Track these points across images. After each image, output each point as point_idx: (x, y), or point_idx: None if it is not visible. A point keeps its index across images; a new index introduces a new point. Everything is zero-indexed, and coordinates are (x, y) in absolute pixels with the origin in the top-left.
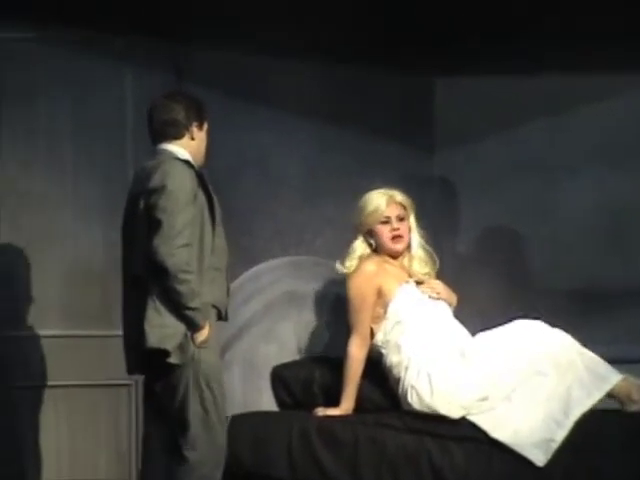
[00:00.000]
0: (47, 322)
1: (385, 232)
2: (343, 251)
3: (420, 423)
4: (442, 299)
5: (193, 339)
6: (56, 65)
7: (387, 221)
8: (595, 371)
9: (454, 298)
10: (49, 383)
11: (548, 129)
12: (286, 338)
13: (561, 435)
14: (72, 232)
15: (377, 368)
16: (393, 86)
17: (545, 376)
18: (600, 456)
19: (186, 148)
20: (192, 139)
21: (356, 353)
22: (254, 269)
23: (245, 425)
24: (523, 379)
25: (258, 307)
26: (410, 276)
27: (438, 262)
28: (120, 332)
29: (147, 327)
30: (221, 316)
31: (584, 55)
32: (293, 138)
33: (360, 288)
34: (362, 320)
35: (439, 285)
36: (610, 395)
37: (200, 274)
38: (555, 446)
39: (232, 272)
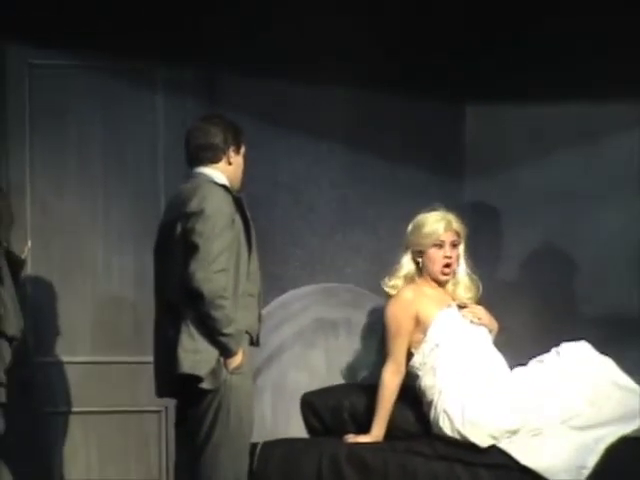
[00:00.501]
0: (78, 348)
1: (437, 257)
2: (373, 279)
3: (450, 450)
4: (483, 325)
5: (226, 365)
6: (89, 90)
7: (441, 245)
8: (630, 405)
9: (495, 325)
10: (79, 409)
11: (579, 156)
12: (316, 365)
13: (592, 461)
14: (103, 257)
15: (409, 393)
16: (425, 114)
17: (580, 409)
18: None
19: (223, 172)
20: (229, 163)
21: (389, 380)
22: (284, 296)
23: (275, 451)
24: (557, 413)
25: (288, 334)
26: (453, 299)
27: (481, 289)
28: (150, 358)
29: (181, 352)
30: (253, 342)
31: (617, 82)
32: (325, 165)
33: (396, 316)
34: (397, 347)
35: (481, 310)
36: None
37: (235, 300)
38: (587, 473)
39: (263, 298)
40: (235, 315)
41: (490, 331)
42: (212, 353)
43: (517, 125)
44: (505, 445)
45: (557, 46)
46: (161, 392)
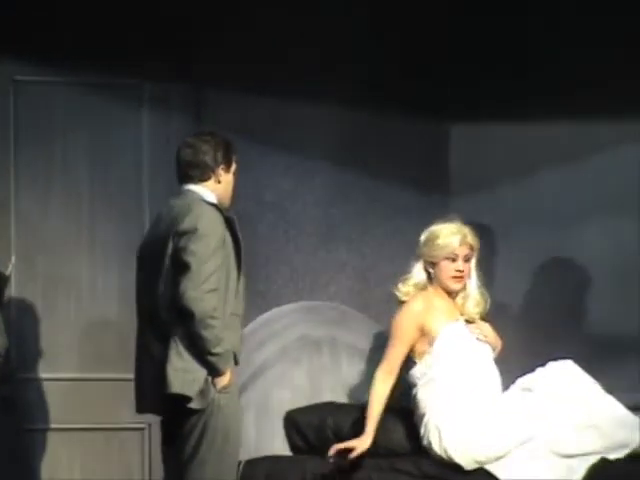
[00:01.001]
0: (62, 365)
1: (449, 270)
2: (357, 297)
3: (435, 469)
4: (488, 342)
5: (214, 384)
6: (74, 107)
7: (454, 259)
8: (614, 437)
9: (499, 343)
10: (62, 426)
11: (563, 176)
12: (300, 383)
13: None
14: (87, 274)
15: (394, 413)
16: (409, 132)
17: (569, 436)
18: None
19: (212, 190)
20: (218, 182)
21: (378, 386)
22: (268, 313)
23: (258, 469)
24: (545, 440)
25: (272, 351)
26: (461, 314)
27: (489, 304)
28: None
29: (170, 371)
30: (236, 361)
31: (600, 101)
32: (309, 183)
33: (401, 325)
34: (394, 353)
35: (487, 328)
36: None
37: (224, 319)
38: None
39: (246, 316)
40: (223, 335)
41: (494, 349)
42: (201, 373)
43: (501, 145)
44: (490, 466)
45: (540, 67)
46: (142, 409)
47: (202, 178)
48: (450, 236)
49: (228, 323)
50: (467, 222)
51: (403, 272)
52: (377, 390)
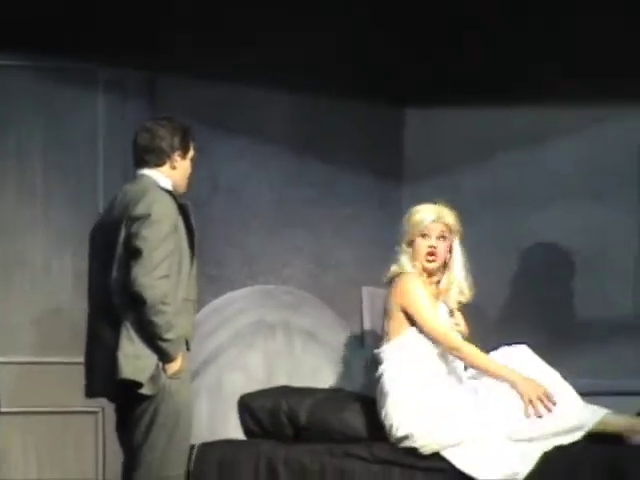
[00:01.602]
0: (15, 348)
1: (422, 246)
2: (312, 281)
3: (388, 454)
4: (460, 331)
5: (165, 370)
6: (28, 90)
7: (427, 235)
8: (567, 422)
9: (467, 331)
10: (16, 409)
11: (520, 160)
12: (254, 367)
13: (527, 468)
14: (42, 258)
15: (349, 398)
16: (364, 117)
17: (523, 422)
18: None
19: (168, 176)
20: (174, 168)
21: (467, 347)
22: (223, 298)
23: (212, 453)
24: (499, 425)
25: (226, 336)
26: (444, 298)
27: (473, 291)
28: None
29: (121, 357)
30: (188, 347)
31: (555, 87)
32: (264, 167)
33: (418, 292)
34: (435, 320)
35: (460, 318)
36: (604, 433)
37: (175, 305)
38: (521, 478)
39: (201, 300)
40: (175, 321)
41: (463, 337)
42: (152, 358)
43: (457, 129)
44: (445, 452)
45: (497, 49)
46: (91, 393)
47: (158, 163)
48: (424, 213)
49: (181, 309)
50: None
51: (358, 256)
52: (470, 350)
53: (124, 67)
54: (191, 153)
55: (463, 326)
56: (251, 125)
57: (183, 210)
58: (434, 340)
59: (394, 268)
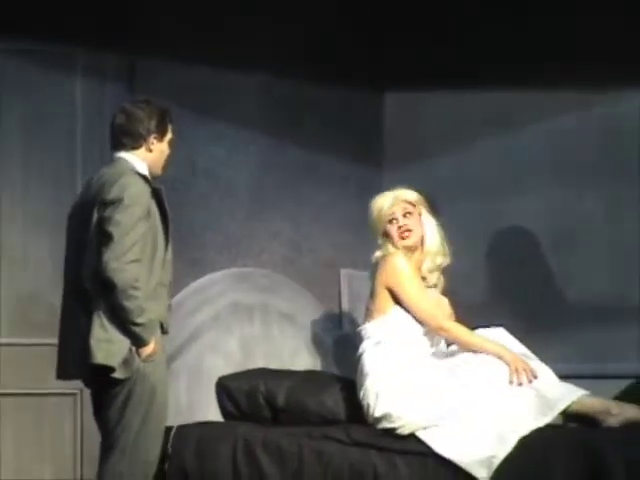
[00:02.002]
0: None
1: (393, 230)
2: (290, 264)
3: (366, 436)
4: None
5: (138, 353)
6: (5, 74)
7: (394, 219)
8: (545, 397)
9: (452, 316)
10: None
11: (497, 145)
12: (232, 349)
13: (504, 452)
14: (21, 242)
15: (327, 380)
16: (343, 100)
17: (497, 399)
18: (544, 471)
19: (143, 159)
20: (150, 150)
21: (455, 328)
22: (201, 280)
23: (190, 435)
24: (474, 397)
25: (204, 318)
26: (423, 278)
27: (449, 257)
28: None
29: (93, 342)
30: (163, 330)
31: (535, 71)
32: (243, 151)
33: (407, 273)
34: (426, 300)
35: (445, 303)
36: (580, 414)
37: (148, 290)
38: (498, 462)
39: (179, 283)
40: (148, 305)
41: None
42: (124, 343)
43: (437, 113)
44: (422, 433)
45: (476, 32)
46: (62, 375)
47: (134, 146)
48: (380, 201)
49: (154, 293)
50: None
51: (336, 240)
52: (457, 329)
53: (103, 51)
54: (169, 136)
55: (448, 313)
56: (230, 109)
57: (157, 195)
58: (420, 319)
59: (378, 253)
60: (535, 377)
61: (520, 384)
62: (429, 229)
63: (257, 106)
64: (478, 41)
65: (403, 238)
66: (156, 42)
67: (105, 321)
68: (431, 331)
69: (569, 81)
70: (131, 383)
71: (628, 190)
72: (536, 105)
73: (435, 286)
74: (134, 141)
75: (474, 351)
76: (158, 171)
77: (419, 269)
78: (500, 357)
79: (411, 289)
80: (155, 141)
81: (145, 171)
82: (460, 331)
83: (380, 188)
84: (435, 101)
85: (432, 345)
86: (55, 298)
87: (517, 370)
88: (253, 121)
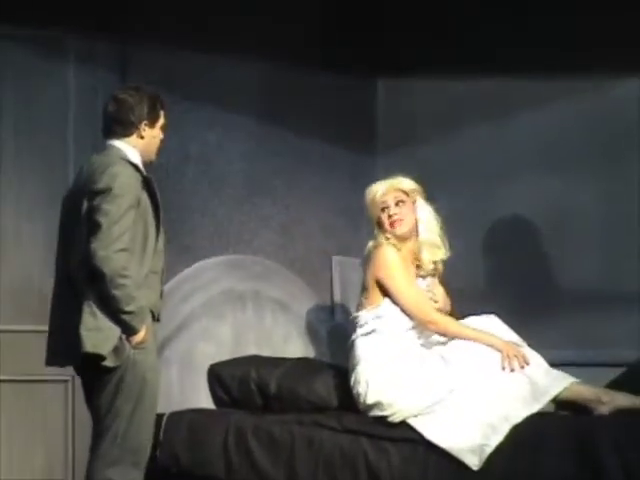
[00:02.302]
0: None
1: (384, 219)
2: (281, 251)
3: (357, 424)
4: (437, 308)
5: (129, 341)
6: None
7: (386, 208)
8: (536, 384)
9: (448, 305)
10: None
11: (489, 132)
12: (224, 337)
13: (496, 440)
14: (13, 227)
15: (318, 367)
16: (336, 86)
17: (488, 382)
18: (535, 459)
19: (135, 146)
20: (141, 137)
21: (443, 320)
22: (193, 267)
23: (182, 422)
24: (466, 385)
25: (196, 305)
26: (418, 267)
27: (448, 250)
28: None
29: (83, 331)
30: (154, 317)
31: (526, 59)
32: (235, 137)
33: (395, 267)
34: (416, 292)
35: (440, 292)
36: (571, 402)
37: (140, 278)
38: (489, 450)
39: (170, 271)
40: (138, 293)
41: (441, 310)
42: (114, 331)
43: (430, 100)
44: (413, 421)
45: (470, 20)
46: (51, 362)
47: (125, 133)
48: (374, 190)
49: (146, 281)
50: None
51: (327, 227)
52: (446, 322)
53: (95, 37)
54: (161, 122)
55: (443, 302)
56: (222, 95)
57: (148, 183)
58: (408, 312)
59: (370, 243)
60: (527, 363)
61: (512, 370)
62: (424, 218)
63: (249, 92)
64: (472, 28)
65: (393, 227)
66: (149, 28)
67: (95, 309)
68: (419, 324)
69: (563, 68)
70: (122, 371)
71: (620, 176)
72: (529, 91)
73: (433, 275)
74: (125, 128)
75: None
76: (151, 157)
77: (414, 258)
78: (491, 345)
79: (399, 282)
80: (146, 127)
81: (137, 159)
82: (449, 323)
83: (373, 174)
84: (428, 87)
85: (424, 336)
86: (48, 285)
87: (509, 356)
88: (245, 107)
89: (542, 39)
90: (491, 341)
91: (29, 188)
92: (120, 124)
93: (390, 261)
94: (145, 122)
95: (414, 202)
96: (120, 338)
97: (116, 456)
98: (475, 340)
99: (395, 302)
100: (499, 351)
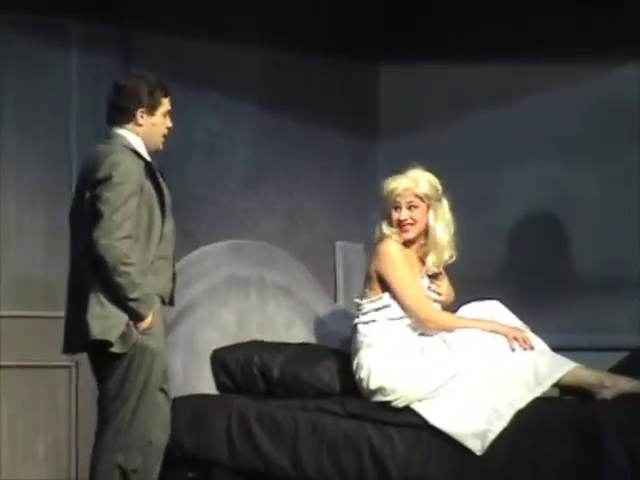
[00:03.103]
0: None
1: (394, 219)
2: (284, 237)
3: (361, 409)
4: (440, 300)
5: (136, 327)
6: (0, 47)
7: (398, 207)
8: (538, 369)
9: (452, 296)
10: None
11: (493, 118)
12: (227, 322)
13: (500, 426)
14: (15, 215)
15: (320, 353)
16: (338, 72)
17: (492, 367)
18: (538, 443)
19: (136, 134)
20: (139, 125)
21: (438, 315)
22: (196, 253)
23: (185, 408)
24: (469, 370)
25: (199, 291)
26: (423, 264)
27: (455, 255)
28: (60, 313)
29: (90, 319)
30: (165, 302)
31: (531, 45)
32: (238, 123)
33: (397, 263)
34: (416, 289)
35: (445, 285)
36: (574, 387)
37: (145, 265)
38: (493, 436)
39: (176, 256)
40: (143, 280)
41: (445, 302)
42: (122, 318)
43: (432, 85)
44: (416, 406)
45: (475, 7)
46: (67, 349)
47: (124, 121)
48: (392, 185)
49: (154, 267)
50: (396, 162)
51: (331, 212)
52: (445, 320)
53: (98, 22)
54: (162, 109)
55: (447, 292)
56: (225, 82)
57: (150, 170)
58: (406, 310)
59: (377, 233)
60: (531, 348)
61: (514, 350)
62: (437, 225)
63: (253, 78)
64: (475, 13)
65: (403, 231)
66: (152, 14)
67: (102, 297)
68: (417, 323)
69: (563, 53)
70: (130, 357)
71: (622, 161)
72: (530, 77)
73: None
74: (123, 116)
75: None
76: (157, 145)
77: (421, 256)
78: (494, 331)
79: (400, 279)
80: (144, 115)
81: (139, 146)
82: (448, 319)
83: (375, 159)
84: (430, 73)
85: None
86: (50, 270)
87: (515, 338)
88: (249, 93)
89: (543, 24)
90: (494, 327)
91: (31, 175)
92: (119, 111)
93: (393, 256)
94: (142, 109)
95: (429, 207)
96: (127, 324)
97: (122, 442)
98: (478, 329)
99: (395, 298)
100: (503, 335)
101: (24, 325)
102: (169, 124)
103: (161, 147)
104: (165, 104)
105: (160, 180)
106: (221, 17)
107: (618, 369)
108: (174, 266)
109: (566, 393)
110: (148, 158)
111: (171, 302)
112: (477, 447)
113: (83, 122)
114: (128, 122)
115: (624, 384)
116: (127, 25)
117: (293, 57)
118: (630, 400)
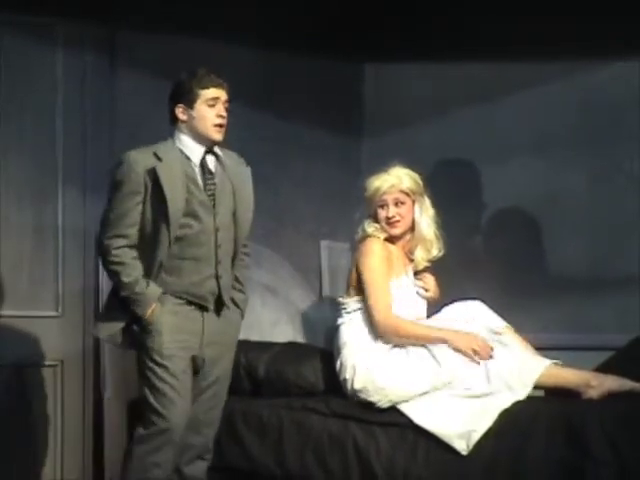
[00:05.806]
0: None
1: (382, 218)
2: (271, 236)
3: (346, 408)
4: (427, 297)
5: (139, 323)
6: None
7: (385, 205)
8: (522, 369)
9: (438, 295)
10: None
11: (477, 116)
12: None
13: (484, 426)
14: (2, 212)
15: (306, 351)
16: (323, 71)
17: (475, 368)
18: (523, 443)
19: (182, 131)
20: (183, 122)
21: (398, 322)
22: None
23: None
24: (454, 372)
25: None
26: (410, 261)
27: (443, 250)
28: (47, 313)
29: (98, 316)
30: (192, 302)
31: (516, 43)
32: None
33: (375, 264)
34: (383, 293)
35: (430, 282)
36: (560, 388)
37: (152, 265)
38: (477, 436)
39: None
40: (136, 278)
41: (431, 300)
42: (122, 314)
43: (417, 82)
44: (402, 406)
45: (459, 5)
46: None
47: (173, 121)
48: (376, 183)
49: (170, 267)
50: (380, 162)
51: (316, 211)
52: (400, 322)
53: (84, 20)
54: (202, 99)
55: (433, 292)
56: None
57: (155, 172)
58: (369, 307)
59: (360, 233)
60: (491, 356)
61: (477, 363)
62: (423, 219)
63: (237, 78)
64: (460, 11)
65: (391, 227)
66: (138, 13)
67: (110, 294)
68: (373, 324)
69: (550, 51)
70: (137, 352)
71: (608, 159)
72: (516, 75)
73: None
74: (171, 116)
75: (425, 341)
76: (210, 135)
77: (406, 253)
78: (449, 343)
79: (372, 275)
80: (184, 110)
81: (185, 143)
82: (404, 324)
83: (360, 158)
84: (416, 71)
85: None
86: (36, 268)
87: (474, 351)
88: (234, 92)
89: (529, 22)
90: (446, 337)
91: (17, 173)
92: (169, 113)
93: (372, 256)
94: (180, 106)
95: (414, 202)
96: (129, 321)
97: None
98: (429, 340)
99: (364, 293)
100: (457, 349)
101: (9, 324)
102: (218, 112)
103: (217, 137)
104: (204, 94)
105: (162, 182)
106: (207, 18)
107: (604, 368)
108: (216, 267)
109: (552, 394)
110: (196, 157)
111: (220, 302)
112: (462, 447)
113: (69, 121)
114: (175, 121)
115: (610, 383)
116: (113, 24)
117: (278, 56)
118: (616, 399)
